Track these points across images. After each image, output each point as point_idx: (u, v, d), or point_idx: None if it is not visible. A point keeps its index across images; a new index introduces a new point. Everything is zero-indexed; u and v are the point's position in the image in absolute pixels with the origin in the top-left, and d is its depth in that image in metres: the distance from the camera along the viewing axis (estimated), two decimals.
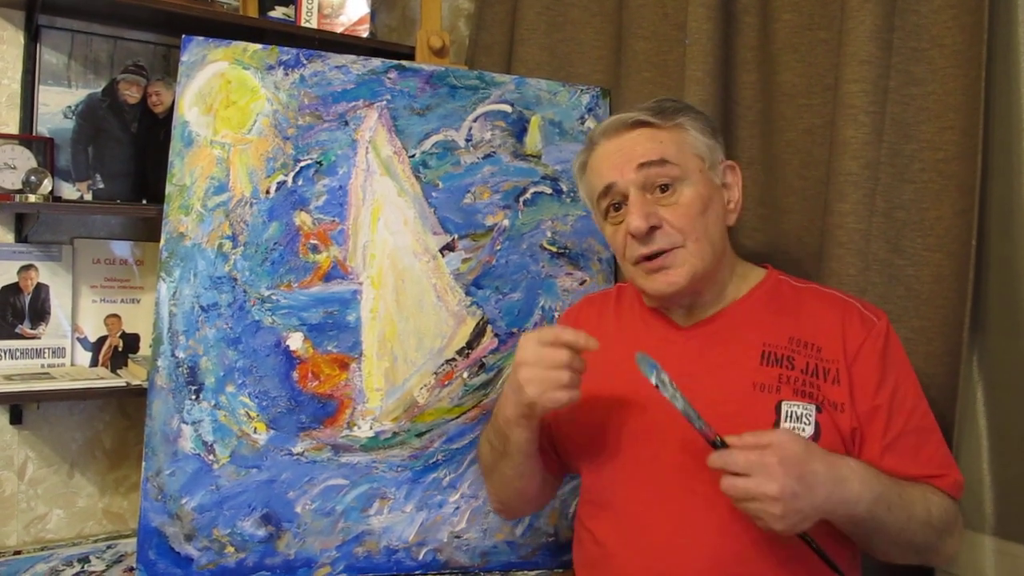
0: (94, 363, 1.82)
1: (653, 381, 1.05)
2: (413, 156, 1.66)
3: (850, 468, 1.09)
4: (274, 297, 1.55)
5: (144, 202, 1.85)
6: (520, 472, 1.35)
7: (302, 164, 1.59)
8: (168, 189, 1.52)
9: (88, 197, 1.82)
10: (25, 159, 1.72)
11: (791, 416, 1.17)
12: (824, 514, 1.07)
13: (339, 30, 1.95)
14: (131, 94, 1.86)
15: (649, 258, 1.23)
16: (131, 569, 1.78)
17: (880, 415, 1.18)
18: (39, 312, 1.77)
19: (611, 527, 1.28)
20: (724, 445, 1.06)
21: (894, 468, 1.16)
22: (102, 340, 1.83)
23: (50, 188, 1.70)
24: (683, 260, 1.22)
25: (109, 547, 1.81)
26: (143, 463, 1.46)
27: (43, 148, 1.76)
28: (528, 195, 1.73)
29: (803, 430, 1.16)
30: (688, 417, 1.06)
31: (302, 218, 1.58)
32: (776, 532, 1.05)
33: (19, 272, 1.75)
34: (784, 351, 1.22)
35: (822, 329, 1.24)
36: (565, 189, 1.76)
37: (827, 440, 1.16)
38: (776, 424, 1.17)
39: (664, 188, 1.23)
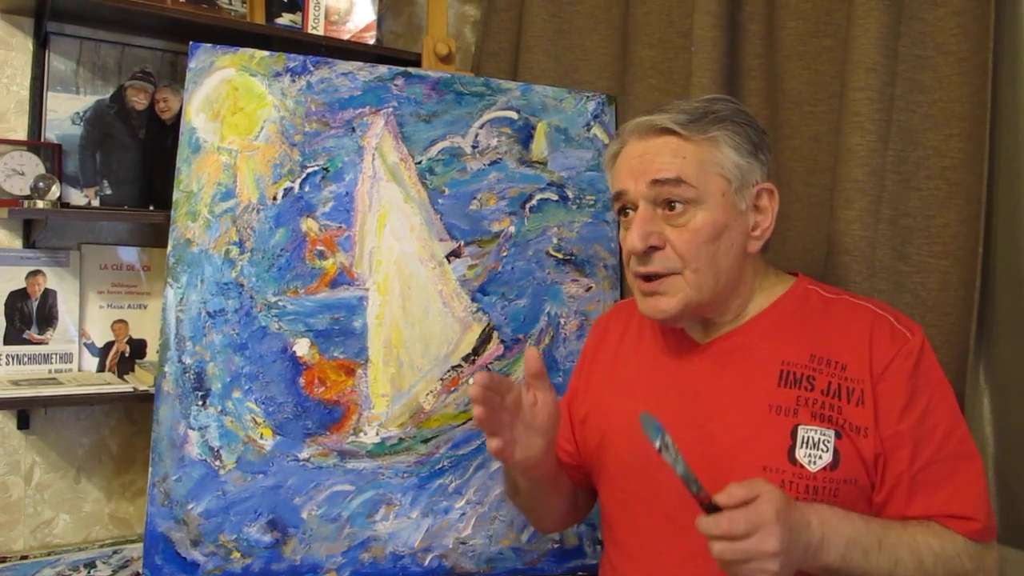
0: (101, 368, 1.83)
1: (656, 445, 0.97)
2: (419, 162, 1.67)
3: (817, 513, 1.02)
4: (280, 303, 1.55)
5: (151, 208, 1.86)
6: (535, 504, 1.34)
7: (309, 170, 1.60)
8: (175, 195, 1.53)
9: (96, 203, 1.83)
10: (33, 165, 1.73)
11: (807, 442, 1.10)
12: (799, 565, 0.99)
13: (346, 37, 1.95)
14: (139, 100, 1.87)
15: (647, 278, 1.17)
16: (137, 574, 1.78)
17: (905, 442, 1.09)
18: (46, 317, 1.78)
19: (621, 550, 1.26)
20: (717, 509, 0.96)
21: (920, 512, 1.09)
22: (109, 345, 1.84)
23: (58, 194, 1.71)
24: (678, 289, 1.15)
25: (115, 552, 1.81)
26: (149, 468, 1.47)
27: (51, 154, 1.77)
28: (534, 201, 1.73)
29: (819, 457, 1.09)
30: (687, 483, 0.97)
31: (309, 224, 1.59)
32: None
33: (27, 277, 1.76)
34: (804, 370, 1.14)
35: (848, 345, 1.15)
36: (571, 196, 1.76)
37: (847, 469, 1.09)
38: (791, 450, 1.10)
39: (673, 206, 1.15)
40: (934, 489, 1.09)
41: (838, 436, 1.10)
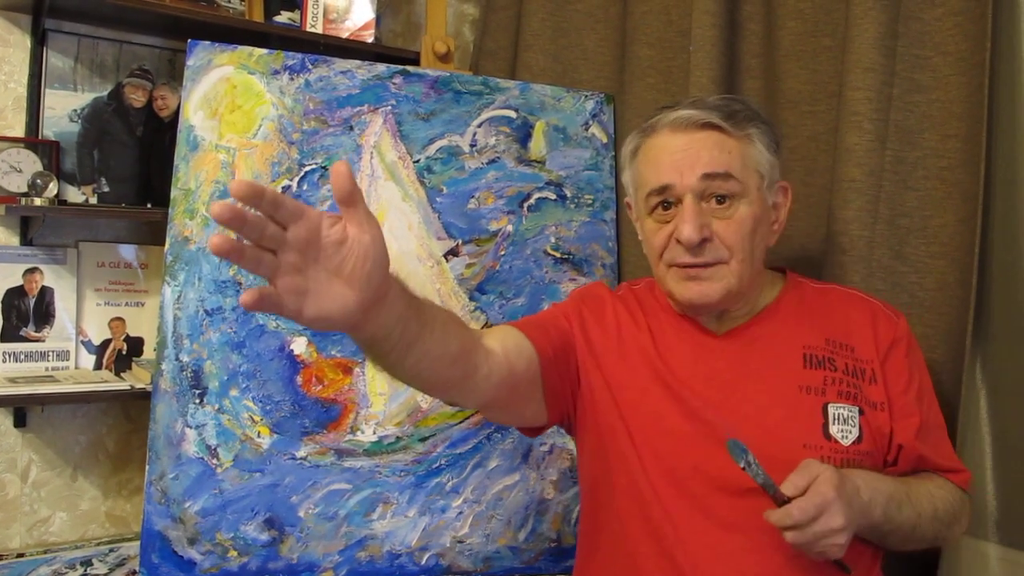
0: (98, 366, 1.82)
1: (741, 465, 1.06)
2: (418, 161, 1.67)
3: (860, 477, 1.10)
4: None
5: (149, 206, 1.85)
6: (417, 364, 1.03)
7: (307, 169, 1.60)
8: (173, 193, 1.53)
9: (93, 200, 1.83)
10: (31, 162, 1.73)
11: (838, 418, 1.17)
12: (856, 527, 1.08)
13: (344, 35, 1.95)
14: (137, 98, 1.87)
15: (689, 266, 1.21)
16: (134, 572, 1.78)
17: (911, 411, 1.20)
18: (44, 315, 1.77)
19: (624, 536, 1.25)
20: (787, 501, 1.04)
21: (924, 454, 1.20)
22: (106, 343, 1.84)
23: (55, 191, 1.70)
24: (722, 276, 1.20)
25: (112, 550, 1.81)
26: (146, 466, 1.47)
27: (49, 151, 1.77)
28: (532, 200, 1.73)
29: (849, 432, 1.17)
30: (766, 488, 1.05)
31: None
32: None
33: (24, 275, 1.76)
34: (824, 352, 1.22)
35: (853, 329, 1.25)
36: (569, 195, 1.76)
37: (868, 442, 1.18)
38: (825, 427, 1.17)
39: (721, 200, 1.19)
40: (934, 449, 1.22)
41: (861, 413, 1.18)
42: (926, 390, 1.25)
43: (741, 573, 1.13)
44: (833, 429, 1.17)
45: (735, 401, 1.20)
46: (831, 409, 1.18)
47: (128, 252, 1.88)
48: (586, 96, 1.83)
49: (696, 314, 1.28)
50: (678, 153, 1.20)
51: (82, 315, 1.82)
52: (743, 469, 1.05)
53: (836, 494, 1.02)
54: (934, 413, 1.25)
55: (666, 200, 1.22)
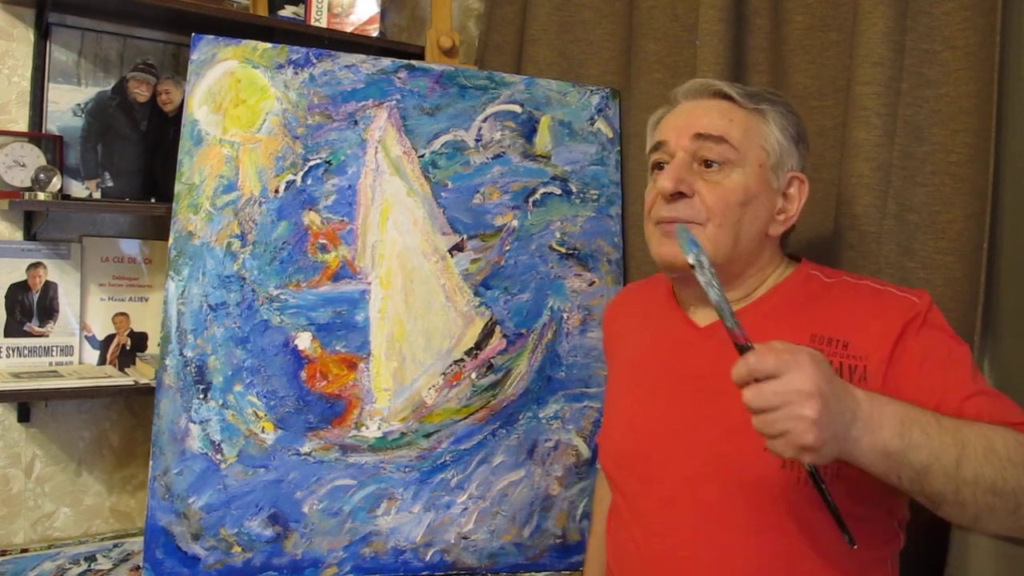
0: (102, 361, 1.82)
1: (691, 261, 0.91)
2: (423, 156, 1.66)
3: (863, 391, 0.94)
4: (283, 296, 1.55)
5: (153, 200, 1.85)
6: None
7: (311, 163, 1.59)
8: (177, 188, 1.52)
9: (97, 195, 1.82)
10: (34, 157, 1.72)
11: None
12: (850, 447, 0.91)
13: (349, 29, 1.95)
14: (141, 92, 1.86)
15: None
16: (138, 568, 1.78)
17: (936, 386, 1.04)
18: (47, 310, 1.77)
19: (619, 526, 1.27)
20: (750, 347, 0.89)
21: (976, 414, 1.00)
22: (110, 338, 1.83)
23: (59, 186, 1.70)
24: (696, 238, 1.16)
25: (116, 546, 1.81)
26: (150, 462, 1.46)
27: (52, 146, 1.76)
28: (537, 196, 1.73)
29: None
30: (720, 311, 0.90)
31: (311, 217, 1.58)
32: (802, 455, 0.88)
33: (28, 270, 1.76)
34: None
35: (849, 322, 1.12)
36: (575, 190, 1.76)
37: None
38: None
39: (712, 163, 1.17)
40: (987, 411, 1.01)
41: None
42: (962, 360, 1.07)
43: (718, 567, 1.12)
44: None
45: (705, 397, 1.17)
46: None
47: (132, 247, 1.87)
48: (592, 91, 1.82)
49: (675, 277, 1.23)
50: (681, 116, 1.22)
51: (86, 310, 1.82)
52: (691, 267, 0.91)
53: (808, 358, 0.87)
54: (981, 380, 1.07)
55: (661, 160, 1.22)
